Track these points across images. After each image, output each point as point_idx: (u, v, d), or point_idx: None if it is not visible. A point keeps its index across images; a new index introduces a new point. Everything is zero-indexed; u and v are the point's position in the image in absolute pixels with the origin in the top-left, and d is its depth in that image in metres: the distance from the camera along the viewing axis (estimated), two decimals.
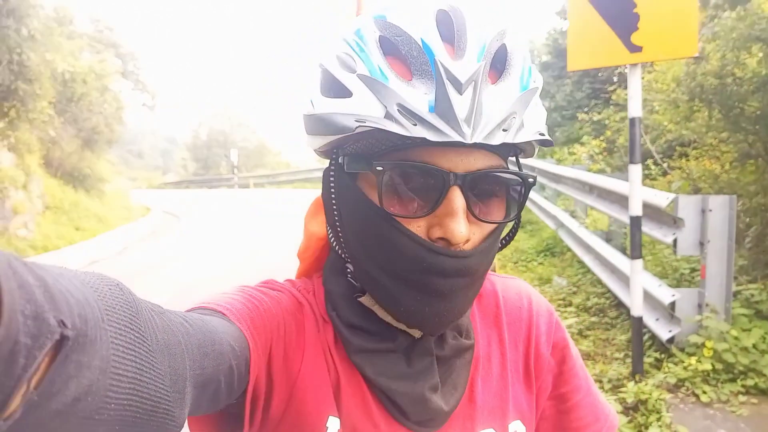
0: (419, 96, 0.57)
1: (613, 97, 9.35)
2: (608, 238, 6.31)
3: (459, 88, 0.56)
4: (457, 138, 0.55)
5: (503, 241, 0.71)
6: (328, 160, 0.69)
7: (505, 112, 0.58)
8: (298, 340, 0.69)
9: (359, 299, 0.71)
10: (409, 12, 0.62)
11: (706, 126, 6.07)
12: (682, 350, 3.80)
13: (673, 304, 3.87)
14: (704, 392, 3.40)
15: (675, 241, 3.87)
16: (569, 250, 7.08)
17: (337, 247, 0.72)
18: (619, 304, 5.05)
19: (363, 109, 0.58)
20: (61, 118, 16.06)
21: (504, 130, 0.57)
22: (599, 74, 12.80)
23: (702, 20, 5.89)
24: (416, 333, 0.70)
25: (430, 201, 0.60)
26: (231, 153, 35.78)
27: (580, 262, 6.43)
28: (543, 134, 0.62)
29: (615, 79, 11.71)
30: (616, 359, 4.18)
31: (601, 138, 10.26)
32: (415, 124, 0.55)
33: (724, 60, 5.22)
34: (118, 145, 27.07)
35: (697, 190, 6.62)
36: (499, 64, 0.61)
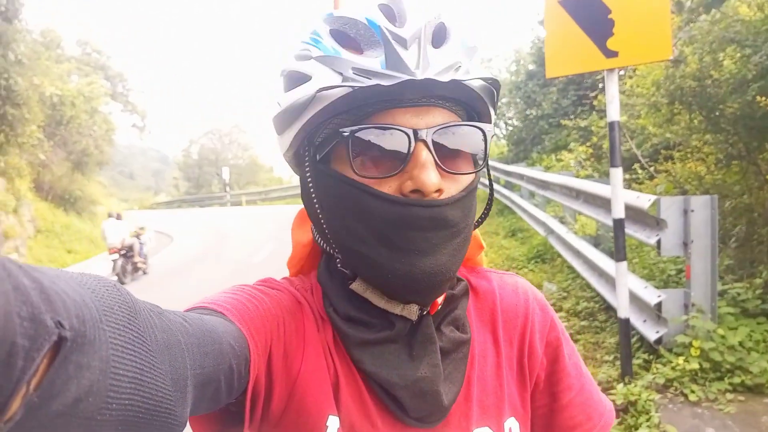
0: (371, 60, 0.63)
1: (596, 102, 9.44)
2: (596, 242, 6.35)
3: (404, 44, 0.63)
4: (407, 77, 0.60)
5: (480, 219, 0.75)
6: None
7: (451, 61, 0.64)
8: (298, 339, 0.70)
9: (351, 286, 0.71)
10: (354, 6, 0.68)
11: (688, 128, 6.14)
12: (669, 350, 3.82)
13: (659, 305, 3.90)
14: (692, 391, 3.42)
15: (659, 242, 3.90)
16: (559, 256, 7.11)
17: (324, 244, 0.74)
18: (608, 308, 5.08)
19: (324, 82, 0.64)
20: (51, 141, 16.06)
21: (450, 72, 0.63)
22: (584, 81, 12.93)
23: (678, 24, 5.98)
24: (412, 314, 0.69)
25: (399, 160, 0.63)
26: (222, 171, 35.80)
27: (570, 267, 6.46)
28: (489, 78, 0.67)
29: (600, 85, 11.84)
30: (606, 362, 4.20)
31: (588, 144, 10.34)
32: (370, 78, 0.61)
33: (702, 63, 5.30)
34: (109, 167, 27.08)
35: (683, 192, 6.67)
36: (439, 38, 0.67)
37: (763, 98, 4.20)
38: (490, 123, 0.71)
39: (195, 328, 0.52)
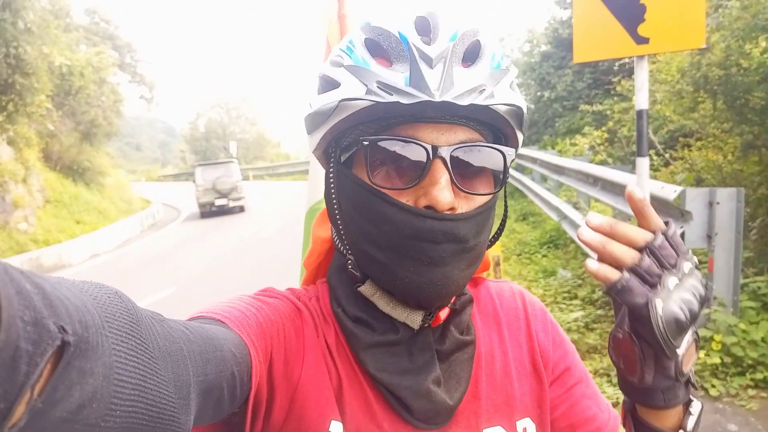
0: (397, 75, 0.63)
1: (618, 88, 9.28)
2: None
3: (430, 63, 0.63)
4: (426, 97, 0.61)
5: (493, 239, 0.76)
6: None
7: (475, 83, 0.63)
8: (298, 345, 0.70)
9: (359, 289, 0.73)
10: (391, 16, 0.70)
11: (710, 116, 6.03)
12: None
13: None
14: (713, 386, 3.39)
15: (682, 234, 3.84)
16: (572, 241, 7.06)
17: (338, 243, 0.76)
18: None
19: (348, 92, 0.65)
20: (60, 111, 16.00)
21: (472, 95, 0.63)
22: (600, 64, 12.72)
23: (707, 10, 5.83)
24: (415, 323, 0.71)
25: (415, 173, 0.65)
26: (230, 145, 35.73)
27: (584, 254, 6.41)
28: (513, 105, 0.66)
29: (616, 68, 11.65)
30: None
31: (603, 129, 10.21)
32: (392, 95, 0.62)
33: (728, 50, 5.18)
34: (117, 138, 27.04)
35: (699, 181, 6.58)
36: (472, 55, 0.67)
37: None
38: (516, 147, 0.72)
39: (196, 336, 0.52)
